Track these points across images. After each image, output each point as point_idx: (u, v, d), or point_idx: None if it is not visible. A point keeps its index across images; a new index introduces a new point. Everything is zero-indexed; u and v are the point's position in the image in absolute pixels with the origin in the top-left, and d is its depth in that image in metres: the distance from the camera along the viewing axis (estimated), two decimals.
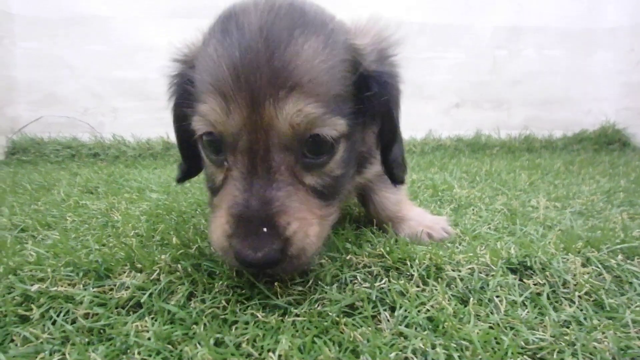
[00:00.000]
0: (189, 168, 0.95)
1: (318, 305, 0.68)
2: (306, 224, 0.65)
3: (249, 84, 0.62)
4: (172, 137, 2.70)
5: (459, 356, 0.55)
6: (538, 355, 0.57)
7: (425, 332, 0.60)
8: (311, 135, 0.66)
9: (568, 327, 0.64)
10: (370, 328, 0.62)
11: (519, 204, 1.37)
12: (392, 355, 0.55)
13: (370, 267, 0.78)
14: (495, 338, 0.59)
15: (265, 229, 0.61)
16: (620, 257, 0.84)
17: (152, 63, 2.84)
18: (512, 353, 0.56)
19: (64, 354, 0.55)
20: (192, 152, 0.83)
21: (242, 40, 0.64)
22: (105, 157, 2.59)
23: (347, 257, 0.81)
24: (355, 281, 0.75)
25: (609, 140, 2.97)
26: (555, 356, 0.57)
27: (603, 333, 0.62)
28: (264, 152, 0.65)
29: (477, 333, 0.60)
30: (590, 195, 1.48)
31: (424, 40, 2.98)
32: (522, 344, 0.59)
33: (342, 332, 0.61)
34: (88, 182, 1.76)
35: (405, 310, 0.65)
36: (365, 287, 0.72)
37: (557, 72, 3.14)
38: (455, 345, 0.57)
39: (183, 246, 0.82)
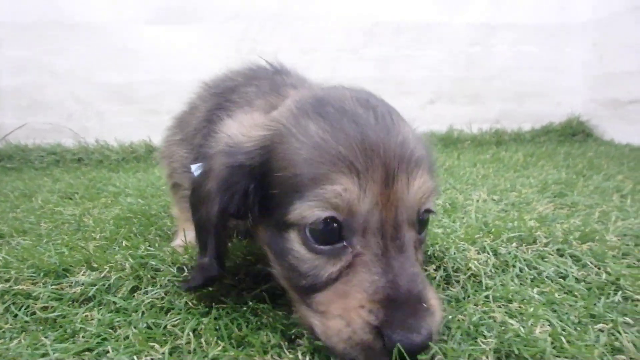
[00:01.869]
0: (219, 272, 0.74)
1: (243, 294, 0.81)
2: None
3: (381, 161, 0.62)
4: (155, 140, 2.86)
5: None
6: None
7: None
8: (425, 210, 0.68)
9: (449, 303, 0.77)
10: (281, 312, 0.74)
11: (462, 198, 1.50)
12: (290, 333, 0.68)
13: None
14: None
15: (424, 305, 0.60)
16: (514, 244, 0.97)
17: (137, 67, 2.98)
18: None
19: (20, 340, 0.67)
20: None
21: (357, 120, 0.65)
22: (89, 162, 2.70)
23: None
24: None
25: (573, 132, 3.11)
26: None
27: (476, 305, 0.75)
28: (394, 230, 0.63)
29: None
30: (530, 188, 1.61)
31: (402, 38, 3.10)
32: None
33: (257, 316, 0.73)
34: (68, 188, 1.87)
35: None
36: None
37: (529, 67, 3.26)
38: None
39: (133, 247, 0.95)
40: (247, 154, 0.69)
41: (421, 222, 0.68)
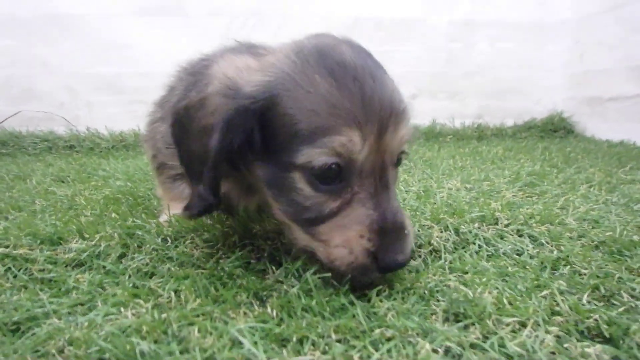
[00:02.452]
0: (215, 201, 0.81)
1: (222, 261, 0.88)
2: None
3: (377, 114, 0.71)
4: (143, 129, 2.92)
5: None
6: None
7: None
8: (402, 151, 0.80)
9: (410, 272, 0.85)
10: (255, 277, 0.82)
11: (436, 186, 1.58)
12: (262, 294, 0.76)
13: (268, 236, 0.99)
14: None
15: (406, 231, 0.74)
16: (476, 224, 1.05)
17: (125, 59, 3.03)
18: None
19: (20, 295, 0.74)
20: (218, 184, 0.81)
21: (357, 77, 0.72)
22: (80, 149, 2.75)
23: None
24: (248, 243, 0.95)
25: (554, 128, 3.20)
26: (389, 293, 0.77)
27: (433, 275, 0.83)
28: (381, 172, 0.74)
29: None
30: (503, 178, 1.69)
31: (382, 34, 3.17)
32: None
33: (232, 279, 0.81)
34: (60, 172, 1.93)
35: (293, 266, 0.86)
36: (257, 246, 0.93)
37: (509, 63, 3.34)
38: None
39: (121, 220, 1.02)
40: (251, 98, 0.74)
41: (398, 161, 0.81)
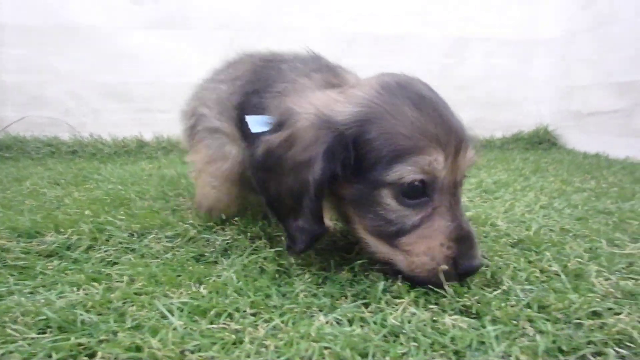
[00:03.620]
0: (322, 230, 0.86)
1: (179, 254, 1.00)
2: None
3: (454, 138, 0.82)
4: (147, 136, 3.09)
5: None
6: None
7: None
8: (465, 173, 0.90)
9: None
10: (203, 266, 0.94)
11: None
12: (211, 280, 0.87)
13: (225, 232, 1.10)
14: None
15: (475, 240, 0.84)
16: None
17: (132, 69, 3.20)
18: None
19: None
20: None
21: (435, 107, 0.84)
22: (82, 154, 2.90)
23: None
24: (204, 238, 1.07)
25: (540, 140, 3.28)
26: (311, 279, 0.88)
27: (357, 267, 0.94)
28: (454, 188, 0.85)
29: None
30: (469, 185, 1.79)
31: (379, 49, 3.29)
32: None
33: (183, 268, 0.92)
34: (57, 175, 2.07)
35: (240, 256, 0.97)
36: (213, 242, 1.05)
37: (500, 77, 3.44)
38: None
39: (94, 216, 1.14)
40: (345, 125, 0.81)
41: (462, 180, 0.91)
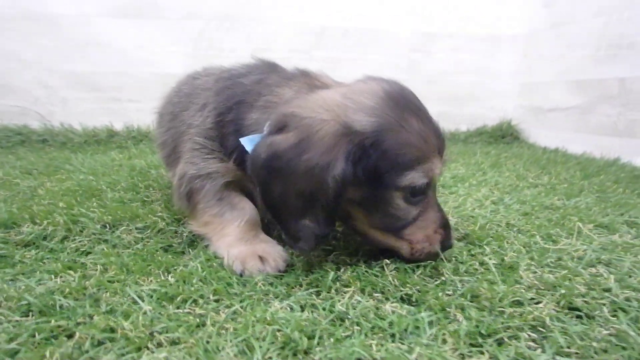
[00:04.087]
0: (331, 231, 0.93)
1: (149, 245, 1.07)
2: None
3: (442, 145, 0.98)
4: (117, 126, 3.10)
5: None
6: None
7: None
8: None
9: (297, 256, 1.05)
10: (171, 256, 1.01)
11: None
12: (178, 269, 0.95)
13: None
14: None
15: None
16: None
17: (101, 58, 3.20)
18: None
19: None
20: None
21: (429, 118, 0.97)
22: (53, 143, 2.90)
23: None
24: (172, 230, 1.14)
25: (503, 134, 3.43)
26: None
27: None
28: (435, 185, 1.01)
29: None
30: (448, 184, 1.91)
31: (349, 42, 3.37)
32: None
33: (153, 258, 1.00)
34: (29, 165, 2.10)
35: (205, 247, 1.05)
36: (180, 233, 1.12)
37: (466, 72, 3.56)
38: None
39: (68, 208, 1.20)
40: (364, 135, 0.88)
41: None
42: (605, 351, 0.66)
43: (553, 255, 1.05)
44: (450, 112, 3.57)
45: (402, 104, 0.94)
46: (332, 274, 0.91)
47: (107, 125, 3.10)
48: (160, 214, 1.24)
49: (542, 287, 0.88)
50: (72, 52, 3.11)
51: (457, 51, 3.55)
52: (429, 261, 0.98)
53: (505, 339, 0.71)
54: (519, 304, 0.82)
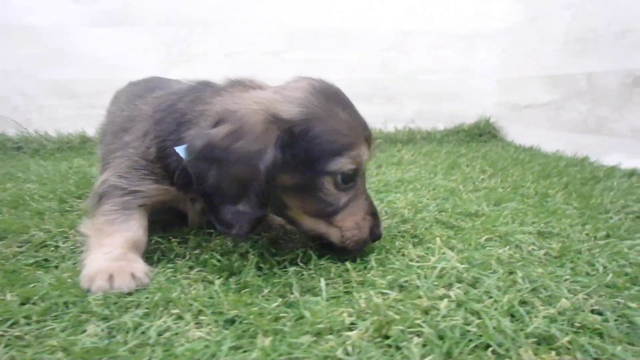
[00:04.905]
0: (263, 213, 0.96)
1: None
2: None
3: (368, 134, 1.03)
4: (90, 132, 3.15)
5: None
6: None
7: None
8: None
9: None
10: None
11: None
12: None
13: None
14: None
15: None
16: None
17: (76, 66, 3.25)
18: None
19: None
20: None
21: (355, 110, 1.05)
22: (27, 150, 2.97)
23: None
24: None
25: (480, 132, 3.35)
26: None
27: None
28: (364, 173, 1.06)
29: None
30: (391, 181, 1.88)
31: (322, 43, 3.34)
32: None
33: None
34: None
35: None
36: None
37: (444, 70, 3.50)
38: None
39: None
40: (293, 121, 0.94)
41: None
42: None
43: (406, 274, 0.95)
44: (427, 111, 3.52)
45: (329, 97, 1.01)
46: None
47: (80, 132, 3.15)
48: (46, 226, 1.25)
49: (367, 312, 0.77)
50: (49, 61, 3.19)
51: (433, 49, 3.48)
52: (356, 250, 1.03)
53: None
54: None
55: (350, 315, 0.74)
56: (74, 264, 1.05)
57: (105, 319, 0.80)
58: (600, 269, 1.01)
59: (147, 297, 0.87)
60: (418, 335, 0.68)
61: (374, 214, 1.04)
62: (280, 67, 3.29)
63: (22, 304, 0.85)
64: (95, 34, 3.20)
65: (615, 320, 0.82)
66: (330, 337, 0.68)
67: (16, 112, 3.21)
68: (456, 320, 0.71)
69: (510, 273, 0.96)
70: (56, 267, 1.06)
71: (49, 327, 0.77)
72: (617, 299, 0.89)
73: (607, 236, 1.23)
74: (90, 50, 3.24)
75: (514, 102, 3.22)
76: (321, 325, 0.70)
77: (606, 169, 2.16)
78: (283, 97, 0.99)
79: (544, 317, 0.80)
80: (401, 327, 0.68)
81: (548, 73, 2.84)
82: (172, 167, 1.11)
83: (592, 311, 0.85)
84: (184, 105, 1.16)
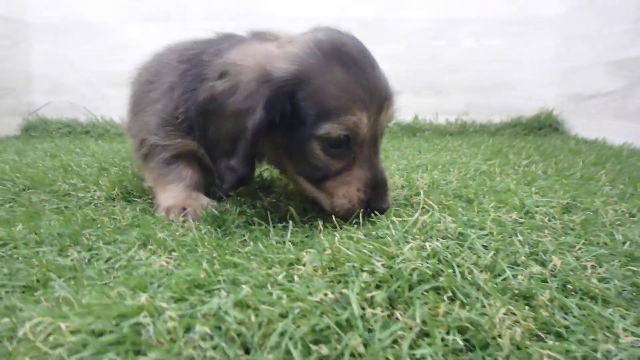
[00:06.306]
0: (249, 172, 0.99)
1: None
2: None
3: (376, 99, 0.94)
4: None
5: None
6: None
7: None
8: (387, 125, 1.04)
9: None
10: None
11: None
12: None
13: None
14: None
15: (388, 187, 0.99)
16: None
17: (135, 59, 3.49)
18: None
19: None
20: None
21: (363, 69, 0.94)
22: (94, 134, 3.22)
23: None
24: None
25: (540, 125, 3.13)
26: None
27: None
28: (374, 141, 0.98)
29: None
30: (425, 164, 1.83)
31: (364, 34, 3.29)
32: None
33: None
34: (51, 149, 2.35)
35: None
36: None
37: (496, 60, 3.32)
38: None
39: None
40: (284, 82, 0.89)
41: (382, 133, 1.04)
42: None
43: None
44: (480, 103, 3.36)
45: (331, 53, 0.92)
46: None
47: None
48: (72, 181, 1.35)
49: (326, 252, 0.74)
50: (111, 54, 3.48)
51: (485, 37, 3.32)
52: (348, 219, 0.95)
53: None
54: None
55: (311, 255, 0.72)
56: (90, 210, 1.12)
57: (89, 249, 0.85)
58: (620, 239, 0.91)
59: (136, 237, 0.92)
60: (370, 274, 0.64)
61: (375, 187, 0.96)
62: None
63: (28, 234, 0.93)
64: (151, 28, 3.45)
65: (622, 288, 0.74)
66: (281, 269, 0.67)
67: (85, 101, 3.52)
68: (419, 264, 0.67)
69: (510, 236, 0.88)
70: (73, 214, 1.13)
71: (42, 251, 0.83)
72: (630, 267, 0.80)
73: None
74: (147, 44, 3.44)
75: (577, 93, 2.98)
76: (276, 259, 0.70)
77: None
78: (283, 53, 0.94)
79: (531, 276, 0.73)
80: (354, 264, 0.65)
81: (612, 58, 2.59)
82: (193, 123, 1.09)
83: (600, 280, 0.76)
84: (207, 58, 1.14)
